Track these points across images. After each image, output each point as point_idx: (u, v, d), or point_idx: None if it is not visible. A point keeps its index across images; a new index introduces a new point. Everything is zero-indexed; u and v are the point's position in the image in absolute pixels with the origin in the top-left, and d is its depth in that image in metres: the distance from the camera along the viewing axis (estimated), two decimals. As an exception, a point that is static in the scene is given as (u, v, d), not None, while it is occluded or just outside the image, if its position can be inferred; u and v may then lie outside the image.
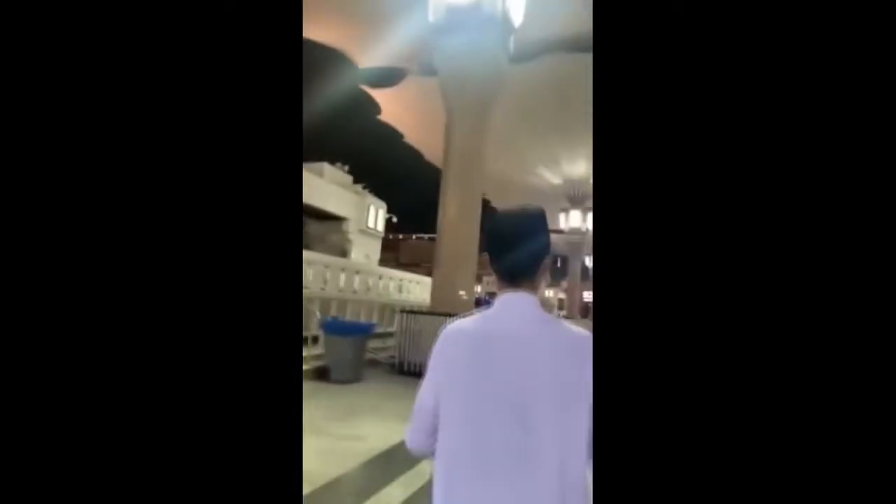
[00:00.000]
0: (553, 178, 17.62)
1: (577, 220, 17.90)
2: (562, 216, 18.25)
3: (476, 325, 0.91)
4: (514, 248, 0.91)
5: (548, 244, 0.95)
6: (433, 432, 0.91)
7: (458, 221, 8.38)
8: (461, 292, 8.39)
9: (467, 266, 8.63)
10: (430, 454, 0.92)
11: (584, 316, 27.80)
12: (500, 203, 23.82)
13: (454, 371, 0.89)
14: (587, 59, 10.57)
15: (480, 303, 13.55)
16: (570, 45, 10.68)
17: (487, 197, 23.48)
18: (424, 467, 3.55)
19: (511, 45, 8.72)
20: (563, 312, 22.32)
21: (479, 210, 8.71)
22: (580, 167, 16.68)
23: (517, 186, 18.26)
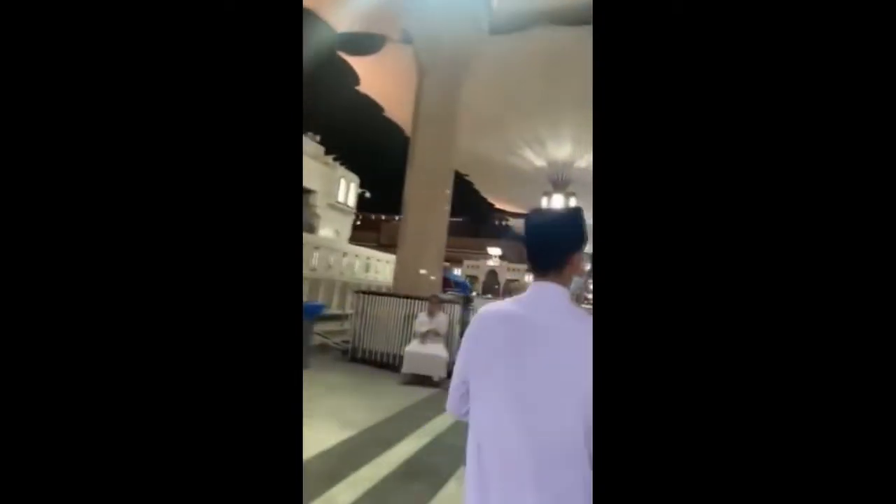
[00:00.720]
0: (536, 159, 17.11)
1: (559, 205, 17.50)
2: (544, 200, 17.79)
3: (506, 308, 1.02)
4: (544, 243, 1.03)
5: (579, 240, 1.02)
6: (466, 399, 1.04)
7: (425, 196, 7.81)
8: (422, 271, 7.79)
9: (434, 245, 8.07)
10: (462, 416, 1.06)
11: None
12: (482, 183, 23.34)
13: (483, 350, 1.01)
14: (577, 33, 10.01)
15: (449, 284, 12.98)
16: (560, 18, 10.04)
17: (469, 178, 22.94)
18: (353, 481, 3.10)
19: (493, 11, 8.08)
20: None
21: (450, 186, 8.14)
22: (565, 149, 16.19)
23: (498, 166, 17.71)
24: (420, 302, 7.04)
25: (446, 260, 10.13)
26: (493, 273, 44.92)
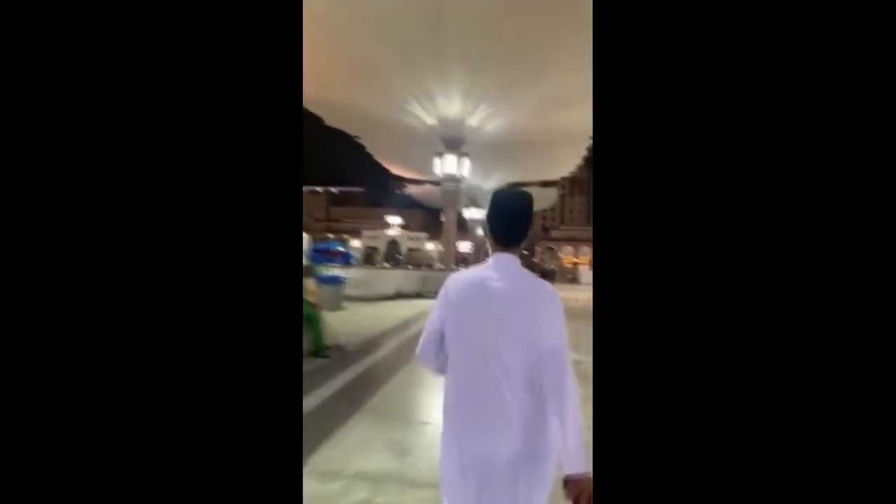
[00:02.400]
0: (427, 116, 16.16)
1: (451, 166, 16.79)
2: (436, 161, 16.98)
3: (473, 273, 1.23)
4: (510, 221, 1.22)
5: (532, 220, 1.26)
6: (439, 350, 1.26)
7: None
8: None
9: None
10: (437, 369, 1.29)
11: (459, 265, 27.96)
12: (374, 145, 21.98)
13: (453, 303, 1.21)
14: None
15: (331, 254, 11.95)
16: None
17: (361, 140, 21.41)
18: None
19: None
20: (440, 265, 21.63)
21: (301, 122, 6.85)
22: (455, 105, 15.42)
23: (388, 126, 16.49)
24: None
25: (344, 232, 8.87)
26: (393, 243, 43.93)
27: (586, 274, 32.36)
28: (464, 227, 34.37)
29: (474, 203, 30.07)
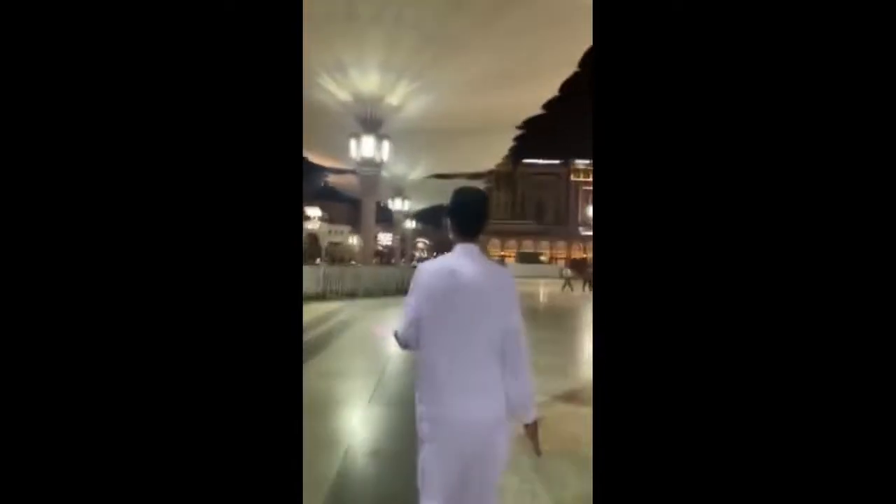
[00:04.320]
0: (339, 92, 14.37)
1: (369, 149, 15.16)
2: (352, 143, 15.25)
3: (442, 262, 1.37)
4: (471, 216, 1.40)
5: (488, 214, 1.43)
6: (416, 328, 1.35)
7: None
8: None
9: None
10: (412, 345, 1.38)
11: (384, 262, 26.33)
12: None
13: (428, 290, 1.35)
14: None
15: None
16: None
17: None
18: None
19: None
20: (354, 261, 19.91)
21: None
22: (371, 79, 13.78)
23: (297, 101, 14.47)
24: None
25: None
26: (312, 237, 41.19)
27: (511, 267, 32.40)
28: (388, 220, 32.75)
29: (398, 193, 28.56)
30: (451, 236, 1.40)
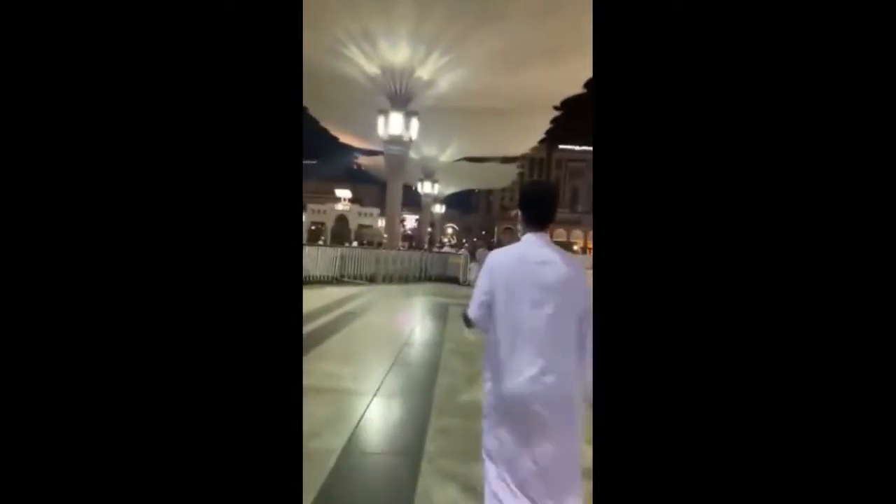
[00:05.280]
0: (368, 64, 13.62)
1: (397, 126, 14.43)
2: (380, 120, 14.56)
3: (513, 250, 1.47)
4: (541, 208, 1.50)
5: (556, 205, 1.56)
6: (487, 309, 1.44)
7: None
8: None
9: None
10: (482, 324, 1.47)
11: (413, 247, 25.67)
12: (308, 100, 19.11)
13: (499, 277, 1.43)
14: None
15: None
16: None
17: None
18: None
19: None
20: (384, 244, 19.37)
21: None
22: (401, 51, 12.98)
23: (322, 74, 13.81)
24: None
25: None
26: (342, 218, 41.00)
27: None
28: (416, 203, 32.04)
29: (428, 176, 27.82)
30: (519, 226, 1.55)
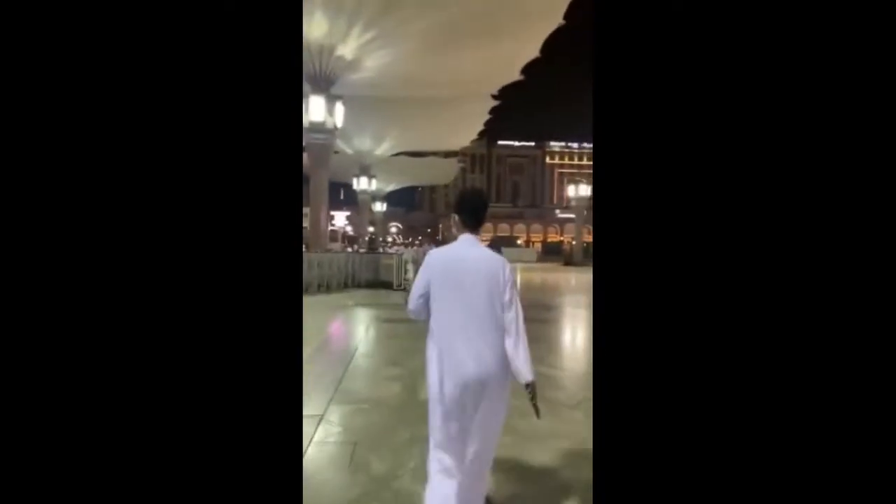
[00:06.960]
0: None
1: (319, 112, 12.82)
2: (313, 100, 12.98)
3: (449, 250, 1.81)
4: (476, 213, 1.83)
5: (487, 209, 1.89)
6: (425, 302, 1.77)
7: None
8: None
9: None
10: (421, 315, 1.80)
11: (353, 249, 24.13)
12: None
13: (436, 272, 1.76)
14: None
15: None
16: None
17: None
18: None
19: None
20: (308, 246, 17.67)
21: None
22: (317, 24, 11.46)
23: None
24: None
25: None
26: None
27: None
28: (352, 200, 30.27)
29: (364, 172, 26.25)
30: (454, 229, 1.86)
